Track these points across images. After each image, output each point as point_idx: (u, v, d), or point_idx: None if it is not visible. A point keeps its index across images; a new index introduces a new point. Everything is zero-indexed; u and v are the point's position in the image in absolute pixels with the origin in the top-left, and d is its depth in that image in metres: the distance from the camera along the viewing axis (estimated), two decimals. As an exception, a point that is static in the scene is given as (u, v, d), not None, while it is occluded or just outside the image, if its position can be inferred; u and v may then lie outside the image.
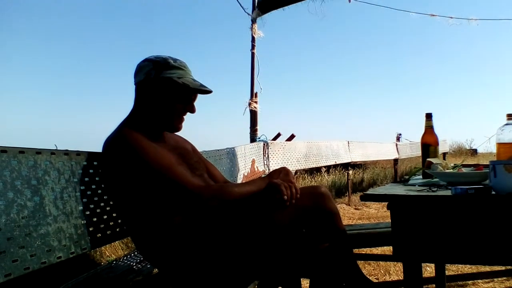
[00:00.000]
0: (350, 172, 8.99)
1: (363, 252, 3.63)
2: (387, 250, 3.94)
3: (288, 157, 5.85)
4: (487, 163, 1.55)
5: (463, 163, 2.02)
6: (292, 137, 6.88)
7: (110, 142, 1.68)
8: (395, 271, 3.58)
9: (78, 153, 1.70)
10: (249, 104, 5.84)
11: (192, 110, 1.85)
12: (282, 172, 1.83)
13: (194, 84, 1.80)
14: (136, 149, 1.61)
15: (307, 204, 1.70)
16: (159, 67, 1.77)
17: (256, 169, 4.88)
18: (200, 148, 2.08)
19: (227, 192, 1.67)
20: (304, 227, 1.77)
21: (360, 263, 3.69)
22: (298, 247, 1.71)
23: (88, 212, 1.70)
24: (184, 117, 1.86)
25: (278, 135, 6.42)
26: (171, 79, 1.76)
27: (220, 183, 1.94)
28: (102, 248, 3.93)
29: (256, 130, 5.92)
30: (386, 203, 1.51)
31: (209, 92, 1.85)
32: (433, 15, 8.29)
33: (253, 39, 5.74)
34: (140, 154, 1.61)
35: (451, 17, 8.37)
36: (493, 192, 1.40)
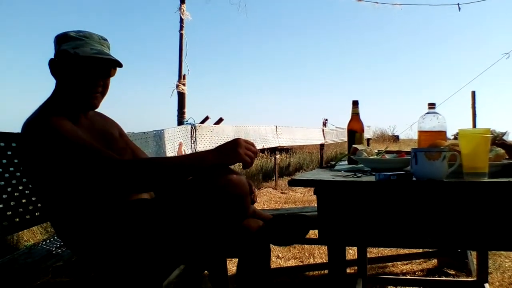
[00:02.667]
0: (277, 156, 9.10)
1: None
2: (312, 233, 4.02)
3: (216, 141, 5.83)
4: (409, 150, 1.60)
5: (386, 149, 2.08)
6: (220, 120, 6.87)
7: (31, 124, 1.56)
8: (319, 254, 3.66)
9: (-6, 133, 1.60)
10: (177, 86, 5.76)
11: (97, 85, 1.68)
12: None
13: (85, 52, 1.62)
14: (58, 132, 1.51)
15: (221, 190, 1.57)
16: (59, 41, 1.67)
17: (183, 152, 4.82)
18: (126, 130, 2.00)
19: (153, 162, 1.59)
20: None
21: (286, 247, 3.76)
22: (221, 227, 1.68)
23: (5, 196, 1.60)
24: (98, 92, 1.70)
25: (206, 118, 6.38)
26: (66, 52, 1.63)
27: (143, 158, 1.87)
28: (20, 232, 3.76)
29: (184, 113, 5.86)
30: (313, 188, 1.53)
31: (110, 60, 1.68)
32: (360, 0, 8.52)
33: (181, 20, 5.63)
34: (59, 135, 1.50)
35: (377, 2, 8.65)
36: (414, 178, 1.45)
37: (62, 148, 1.50)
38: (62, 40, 1.66)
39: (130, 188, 1.55)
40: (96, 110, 1.77)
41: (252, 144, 1.66)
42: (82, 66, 1.64)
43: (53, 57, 1.68)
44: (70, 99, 1.68)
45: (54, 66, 1.68)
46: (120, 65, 1.72)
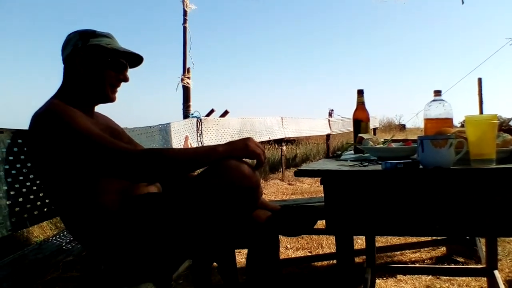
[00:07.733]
0: (284, 147, 9.09)
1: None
2: (320, 224, 4.03)
3: (222, 133, 5.82)
4: (415, 138, 1.59)
5: (393, 138, 2.07)
6: (225, 113, 6.86)
7: (39, 116, 1.56)
8: (327, 244, 3.67)
9: (1, 130, 1.60)
10: (182, 79, 5.75)
11: (125, 79, 1.80)
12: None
13: (118, 47, 1.76)
14: (67, 121, 1.51)
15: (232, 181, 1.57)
16: (85, 36, 1.72)
17: (189, 146, 4.83)
18: (132, 125, 2.02)
19: (166, 152, 1.60)
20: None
21: (294, 237, 3.77)
22: (231, 219, 1.67)
23: (13, 192, 1.62)
24: (118, 88, 1.80)
25: (212, 111, 6.38)
26: (99, 46, 1.71)
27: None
28: (30, 228, 3.79)
29: (189, 106, 5.85)
30: (319, 178, 1.53)
31: (139, 59, 1.82)
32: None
33: (185, 12, 5.61)
34: (71, 126, 1.51)
35: (380, -3, 8.62)
36: (421, 166, 1.44)
37: (76, 139, 1.50)
38: (90, 35, 1.73)
39: (142, 178, 1.57)
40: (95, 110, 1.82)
41: (262, 148, 1.70)
42: (115, 61, 1.75)
43: (69, 51, 1.71)
44: (87, 92, 1.73)
45: (77, 59, 1.71)
46: (142, 60, 1.85)
